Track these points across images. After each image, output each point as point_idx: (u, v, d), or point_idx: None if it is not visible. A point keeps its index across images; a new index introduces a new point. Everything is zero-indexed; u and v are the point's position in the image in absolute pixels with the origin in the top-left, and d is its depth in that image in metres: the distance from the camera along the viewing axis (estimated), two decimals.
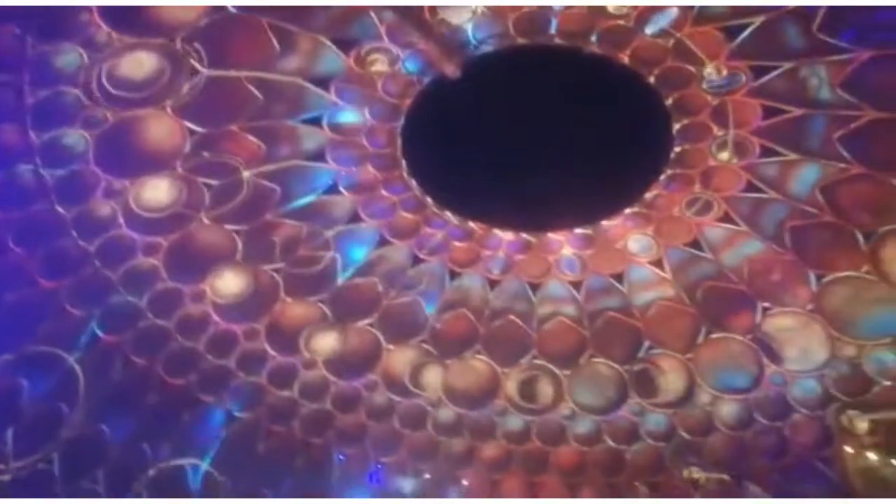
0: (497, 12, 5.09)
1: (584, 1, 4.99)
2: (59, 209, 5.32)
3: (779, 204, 5.85)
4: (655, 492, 6.56)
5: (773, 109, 5.37)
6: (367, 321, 6.48)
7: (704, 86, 5.27)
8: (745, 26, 4.97)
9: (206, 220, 5.75)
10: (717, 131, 5.53)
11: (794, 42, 5.00)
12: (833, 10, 4.69)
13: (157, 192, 5.48)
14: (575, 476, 6.73)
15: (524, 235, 6.37)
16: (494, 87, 5.38)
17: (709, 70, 5.18)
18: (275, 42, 5.07)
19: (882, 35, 4.79)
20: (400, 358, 6.56)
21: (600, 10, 5.02)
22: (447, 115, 5.52)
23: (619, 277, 6.52)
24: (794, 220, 5.81)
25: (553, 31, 5.20)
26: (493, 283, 6.66)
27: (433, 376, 6.56)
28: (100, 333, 5.67)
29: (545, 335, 6.57)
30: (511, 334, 6.59)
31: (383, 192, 6.11)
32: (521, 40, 5.24)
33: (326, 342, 6.35)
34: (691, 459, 6.31)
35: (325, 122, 5.65)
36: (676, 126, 5.55)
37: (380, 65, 5.28)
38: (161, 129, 5.26)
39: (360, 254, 6.42)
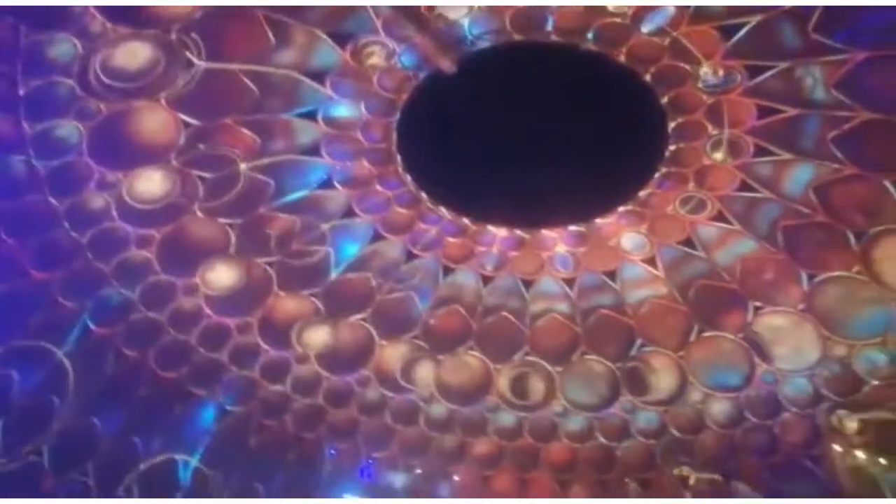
0: (494, 8, 5.09)
1: (584, 1, 5.00)
2: (52, 200, 5.30)
3: (772, 203, 5.88)
4: (646, 489, 6.59)
5: (767, 109, 5.41)
6: (360, 316, 6.47)
7: (700, 85, 5.28)
8: (741, 25, 4.99)
9: (199, 213, 5.73)
10: (711, 130, 5.55)
11: (790, 42, 5.03)
12: (829, 11, 4.71)
13: (151, 183, 5.45)
14: (566, 473, 6.75)
15: (518, 232, 6.38)
16: (490, 83, 5.38)
17: (705, 70, 5.19)
18: (270, 35, 5.05)
19: (877, 36, 4.81)
20: (393, 353, 6.55)
21: (598, 8, 5.03)
22: (443, 111, 5.52)
23: (612, 275, 6.55)
24: (787, 219, 5.85)
25: (550, 27, 5.20)
26: (486, 280, 6.68)
27: (426, 372, 6.55)
28: (92, 326, 5.65)
29: (538, 332, 6.59)
30: (504, 331, 6.60)
31: (378, 187, 6.11)
32: (517, 37, 5.24)
33: (319, 336, 6.33)
34: (683, 459, 6.34)
35: (320, 117, 5.65)
36: (671, 125, 5.57)
37: (376, 58, 5.26)
38: (155, 121, 5.23)
39: (354, 249, 6.41)
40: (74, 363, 5.29)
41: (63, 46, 4.77)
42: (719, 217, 6.07)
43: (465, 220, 6.32)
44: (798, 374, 6.13)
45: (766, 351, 6.13)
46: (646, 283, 6.51)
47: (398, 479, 6.75)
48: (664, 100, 5.44)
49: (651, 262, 6.43)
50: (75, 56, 4.77)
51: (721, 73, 5.21)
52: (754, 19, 4.93)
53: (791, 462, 6.26)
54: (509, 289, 6.68)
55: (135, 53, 4.77)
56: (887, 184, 5.32)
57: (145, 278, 5.84)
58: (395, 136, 5.79)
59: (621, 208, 6.12)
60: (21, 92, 4.83)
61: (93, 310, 5.66)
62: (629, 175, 5.96)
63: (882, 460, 5.31)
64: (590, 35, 5.19)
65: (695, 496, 6.16)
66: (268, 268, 6.16)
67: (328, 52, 5.28)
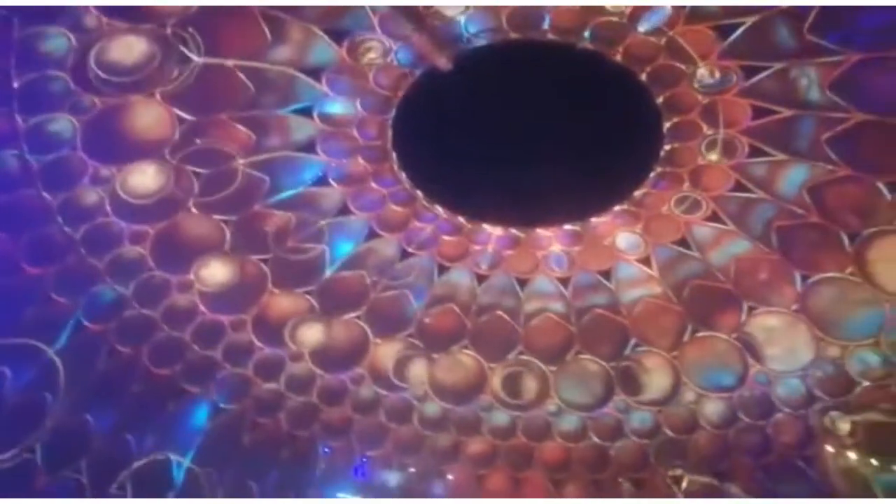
0: (490, 6, 5.09)
1: (584, 0, 5.00)
2: (45, 195, 5.27)
3: (766, 204, 5.89)
4: (639, 488, 6.59)
5: (762, 110, 5.41)
6: (354, 314, 6.46)
7: (696, 85, 5.29)
8: (737, 26, 5.00)
9: (193, 209, 5.71)
10: (706, 130, 5.56)
11: (786, 43, 5.04)
12: (824, 12, 4.72)
13: (145, 177, 5.42)
14: (560, 472, 6.74)
15: (513, 231, 6.37)
16: (487, 81, 5.38)
17: (701, 70, 5.20)
18: (266, 31, 5.04)
19: (872, 38, 4.82)
20: (387, 352, 6.54)
21: (594, 7, 5.03)
22: (439, 109, 5.52)
23: (606, 274, 6.54)
24: (782, 220, 5.86)
25: (546, 26, 5.20)
26: (481, 278, 6.66)
27: (420, 370, 6.54)
28: (85, 322, 5.62)
29: (532, 331, 6.58)
30: (498, 330, 6.59)
31: (373, 185, 6.09)
32: (513, 35, 5.24)
33: (313, 334, 6.31)
34: (676, 462, 6.35)
35: (315, 113, 5.63)
36: (667, 124, 5.58)
37: (372, 55, 5.25)
38: (150, 116, 5.21)
39: (349, 246, 6.40)
40: (67, 360, 5.25)
41: (57, 40, 4.75)
42: (714, 217, 6.07)
43: (460, 219, 6.30)
44: (791, 374, 6.13)
45: (758, 352, 6.14)
46: (640, 282, 6.51)
47: (392, 478, 6.73)
48: (660, 99, 5.45)
49: (646, 261, 6.43)
50: (69, 50, 4.74)
51: (718, 73, 5.23)
52: (750, 19, 4.93)
53: (784, 462, 6.27)
54: (504, 288, 6.67)
55: (130, 48, 4.74)
56: (881, 185, 5.33)
57: (139, 274, 5.81)
58: (390, 133, 5.77)
59: (616, 208, 6.12)
60: (15, 85, 4.79)
61: (86, 306, 5.63)
62: (624, 174, 5.96)
63: (874, 461, 5.33)
64: (586, 34, 5.19)
65: (687, 496, 6.17)
66: (262, 265, 6.13)
67: (324, 49, 5.27)
